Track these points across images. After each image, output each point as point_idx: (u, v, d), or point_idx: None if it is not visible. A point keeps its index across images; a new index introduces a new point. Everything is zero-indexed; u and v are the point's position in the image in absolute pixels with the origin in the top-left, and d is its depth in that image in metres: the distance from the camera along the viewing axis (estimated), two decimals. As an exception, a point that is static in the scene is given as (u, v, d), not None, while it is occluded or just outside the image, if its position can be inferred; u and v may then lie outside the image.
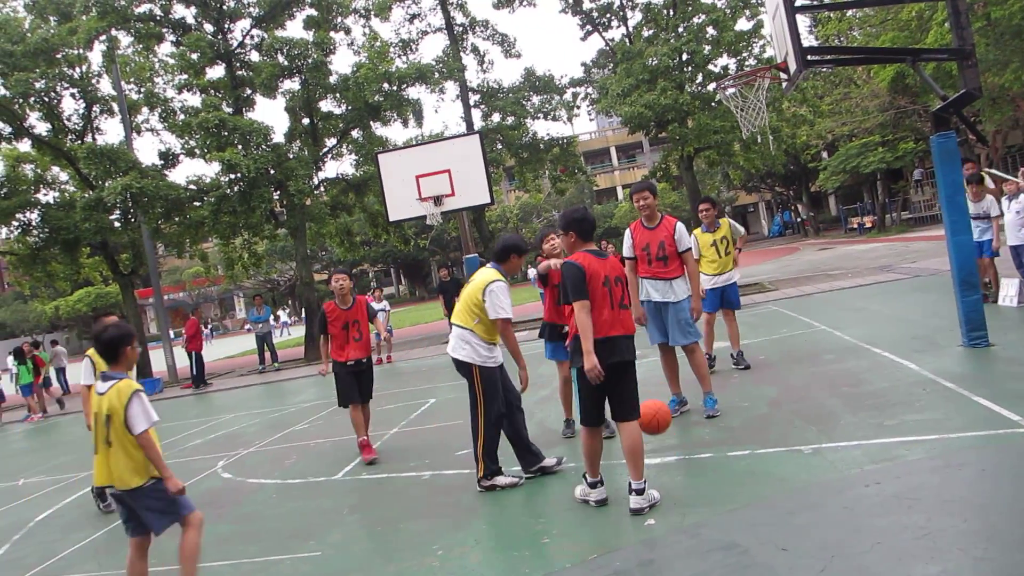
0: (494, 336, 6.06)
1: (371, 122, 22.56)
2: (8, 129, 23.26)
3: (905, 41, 24.09)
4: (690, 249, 7.13)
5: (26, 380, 19.14)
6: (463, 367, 6.09)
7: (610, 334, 4.95)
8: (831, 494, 4.60)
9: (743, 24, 20.09)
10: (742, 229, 9.54)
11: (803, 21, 20.38)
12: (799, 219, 55.74)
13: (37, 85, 21.64)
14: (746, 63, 19.99)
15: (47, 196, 25.18)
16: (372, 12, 22.79)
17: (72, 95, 23.71)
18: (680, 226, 7.11)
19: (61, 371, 21.70)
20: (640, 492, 4.88)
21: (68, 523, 7.33)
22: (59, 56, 22.45)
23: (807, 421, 6.20)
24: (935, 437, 5.26)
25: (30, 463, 11.61)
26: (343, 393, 7.95)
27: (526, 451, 6.21)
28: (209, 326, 61.87)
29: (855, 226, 43.13)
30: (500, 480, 6.00)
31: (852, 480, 4.75)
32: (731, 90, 11.06)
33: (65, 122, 24.03)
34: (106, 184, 20.55)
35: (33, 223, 23.80)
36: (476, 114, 22.65)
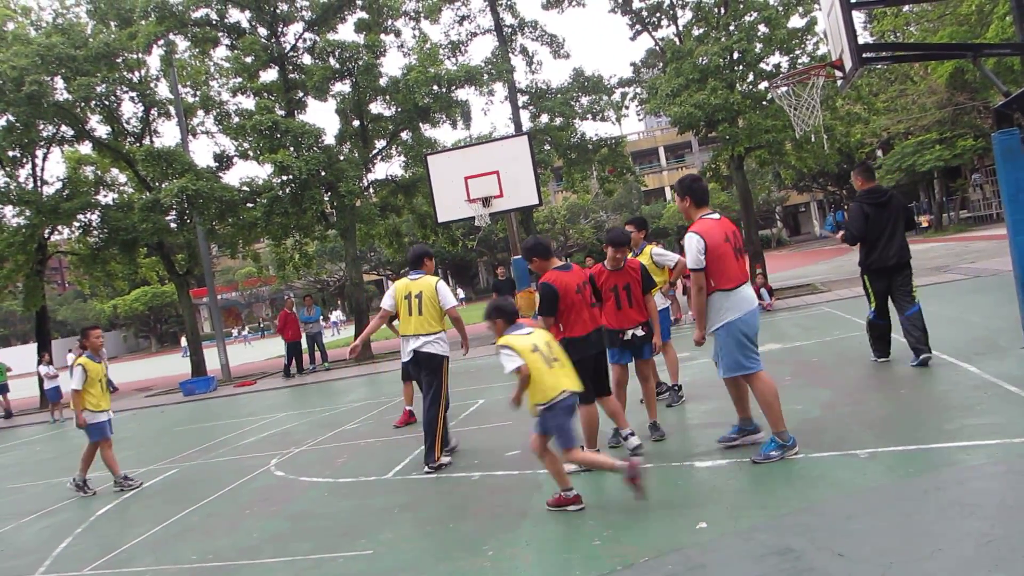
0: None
1: (420, 124, 22.71)
2: (71, 132, 23.95)
3: (964, 36, 23.52)
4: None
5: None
6: (434, 360, 7.22)
7: (588, 330, 6.09)
8: (889, 499, 4.51)
9: (796, 21, 19.76)
10: (673, 257, 8.35)
11: (858, 17, 20.00)
12: (853, 219, 54.62)
13: (98, 89, 22.24)
14: (799, 61, 19.63)
15: (106, 197, 25.89)
16: (422, 14, 22.95)
17: (131, 98, 24.35)
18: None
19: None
20: (632, 434, 6.35)
21: (128, 518, 7.51)
22: (119, 60, 23.08)
23: (863, 425, 6.08)
24: (997, 442, 5.12)
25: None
26: (404, 369, 8.86)
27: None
28: (246, 328, 62.95)
29: (911, 226, 42.15)
30: (445, 460, 7.21)
31: (910, 485, 4.65)
32: (783, 88, 10.92)
33: (124, 125, 24.68)
34: (163, 186, 21.02)
35: (93, 224, 24.48)
36: (524, 115, 22.65)
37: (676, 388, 8.32)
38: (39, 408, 23.90)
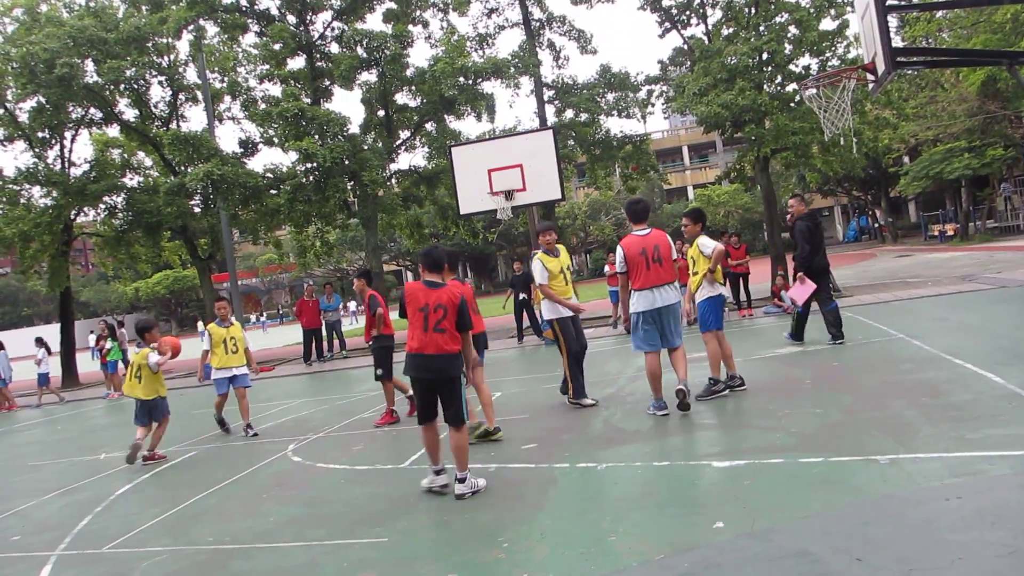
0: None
1: (445, 115, 22.71)
2: (99, 114, 24.19)
3: (998, 44, 23.26)
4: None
5: (117, 356, 19.91)
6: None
7: (419, 351, 5.99)
8: (909, 506, 4.47)
9: (827, 24, 19.59)
10: (710, 245, 8.65)
11: (890, 22, 19.68)
12: (876, 225, 54.23)
13: (128, 72, 22.44)
14: (829, 63, 19.46)
15: (132, 180, 26.13)
16: (450, 6, 22.93)
17: (160, 83, 24.57)
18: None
19: (123, 352, 22.46)
20: (463, 480, 5.95)
21: (146, 498, 7.59)
22: (149, 45, 23.26)
23: (884, 431, 6.03)
24: (1021, 453, 5.06)
25: (111, 438, 12.03)
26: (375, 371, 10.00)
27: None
28: (264, 315, 63.26)
29: (936, 234, 41.75)
30: (585, 401, 8.67)
31: (931, 493, 4.61)
32: (811, 90, 10.84)
33: (152, 109, 24.91)
34: (188, 170, 21.17)
35: (119, 206, 24.73)
36: (549, 109, 22.60)
37: (713, 381, 8.31)
38: (60, 387, 24.18)
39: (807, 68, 20.09)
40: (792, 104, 19.61)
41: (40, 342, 20.61)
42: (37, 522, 7.13)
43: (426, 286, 6.08)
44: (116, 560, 5.63)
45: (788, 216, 11.80)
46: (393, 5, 23.18)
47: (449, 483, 6.11)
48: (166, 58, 24.42)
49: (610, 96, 22.67)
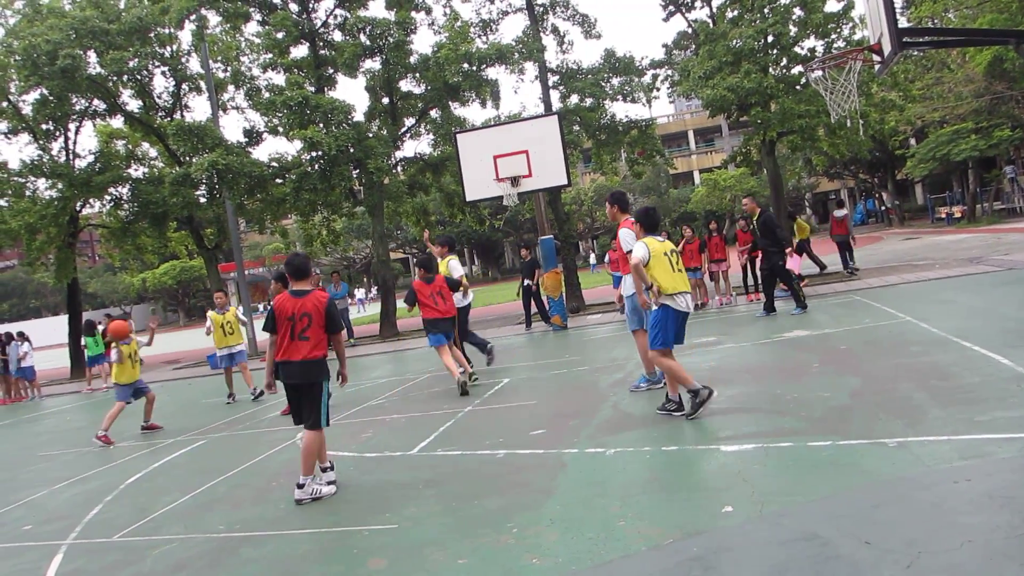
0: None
1: (450, 102, 22.61)
2: (103, 106, 24.18)
3: (1004, 24, 23.09)
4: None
5: (93, 352, 19.94)
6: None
7: (286, 359, 6.24)
8: (918, 489, 4.47)
9: (832, 5, 19.57)
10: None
11: (895, 2, 19.39)
12: (883, 207, 54.01)
13: (131, 63, 22.43)
14: (834, 45, 19.36)
15: (137, 171, 26.14)
16: (453, -8, 22.82)
17: (163, 73, 24.55)
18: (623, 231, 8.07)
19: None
20: (302, 487, 6.17)
21: (156, 487, 7.62)
22: (151, 35, 23.22)
23: (892, 414, 6.02)
24: (1030, 435, 5.05)
25: (120, 429, 12.07)
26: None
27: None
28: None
29: (943, 216, 41.53)
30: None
31: (940, 476, 4.60)
32: (817, 72, 10.78)
33: (156, 99, 24.90)
34: (193, 160, 21.15)
35: (124, 197, 24.78)
36: (554, 95, 22.45)
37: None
38: (69, 378, 24.31)
39: (812, 50, 19.99)
40: (798, 87, 19.52)
41: (22, 336, 20.69)
42: (48, 511, 7.18)
43: (292, 296, 6.34)
44: (127, 548, 5.66)
45: (745, 208, 14.33)
46: (395, -9, 23.04)
47: (337, 478, 6.52)
48: (169, 48, 24.38)
49: (615, 81, 22.52)
